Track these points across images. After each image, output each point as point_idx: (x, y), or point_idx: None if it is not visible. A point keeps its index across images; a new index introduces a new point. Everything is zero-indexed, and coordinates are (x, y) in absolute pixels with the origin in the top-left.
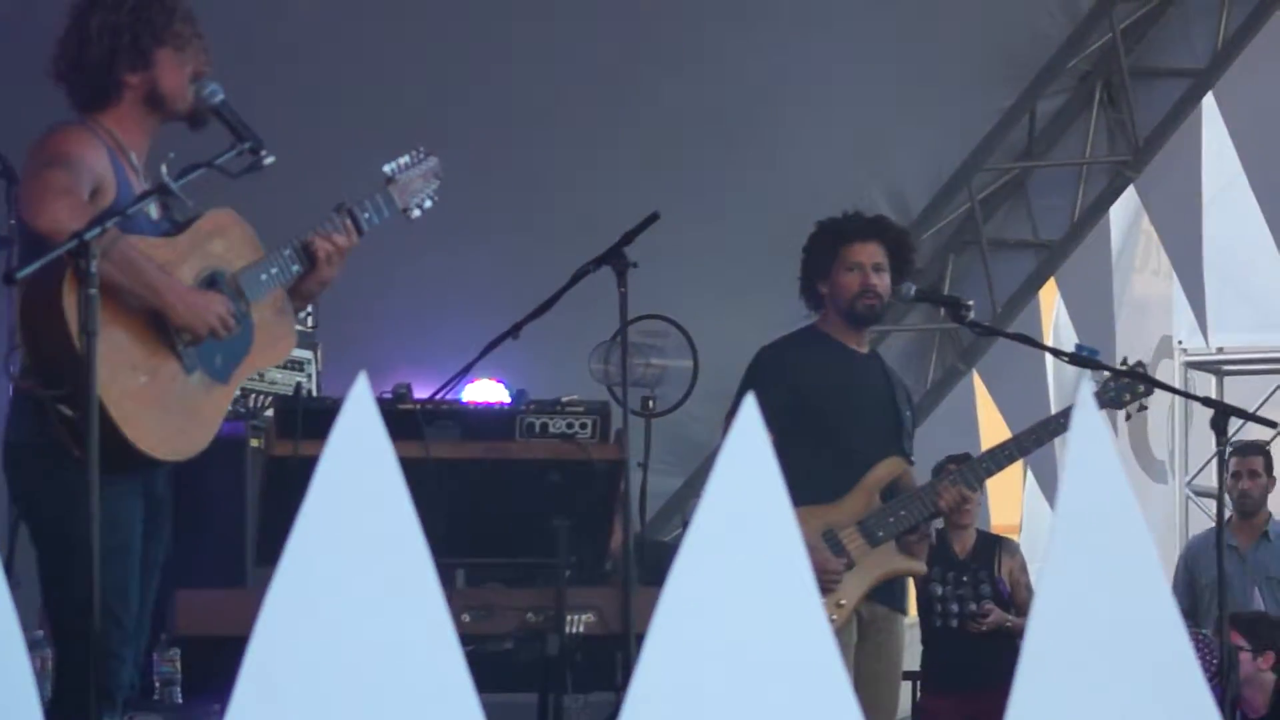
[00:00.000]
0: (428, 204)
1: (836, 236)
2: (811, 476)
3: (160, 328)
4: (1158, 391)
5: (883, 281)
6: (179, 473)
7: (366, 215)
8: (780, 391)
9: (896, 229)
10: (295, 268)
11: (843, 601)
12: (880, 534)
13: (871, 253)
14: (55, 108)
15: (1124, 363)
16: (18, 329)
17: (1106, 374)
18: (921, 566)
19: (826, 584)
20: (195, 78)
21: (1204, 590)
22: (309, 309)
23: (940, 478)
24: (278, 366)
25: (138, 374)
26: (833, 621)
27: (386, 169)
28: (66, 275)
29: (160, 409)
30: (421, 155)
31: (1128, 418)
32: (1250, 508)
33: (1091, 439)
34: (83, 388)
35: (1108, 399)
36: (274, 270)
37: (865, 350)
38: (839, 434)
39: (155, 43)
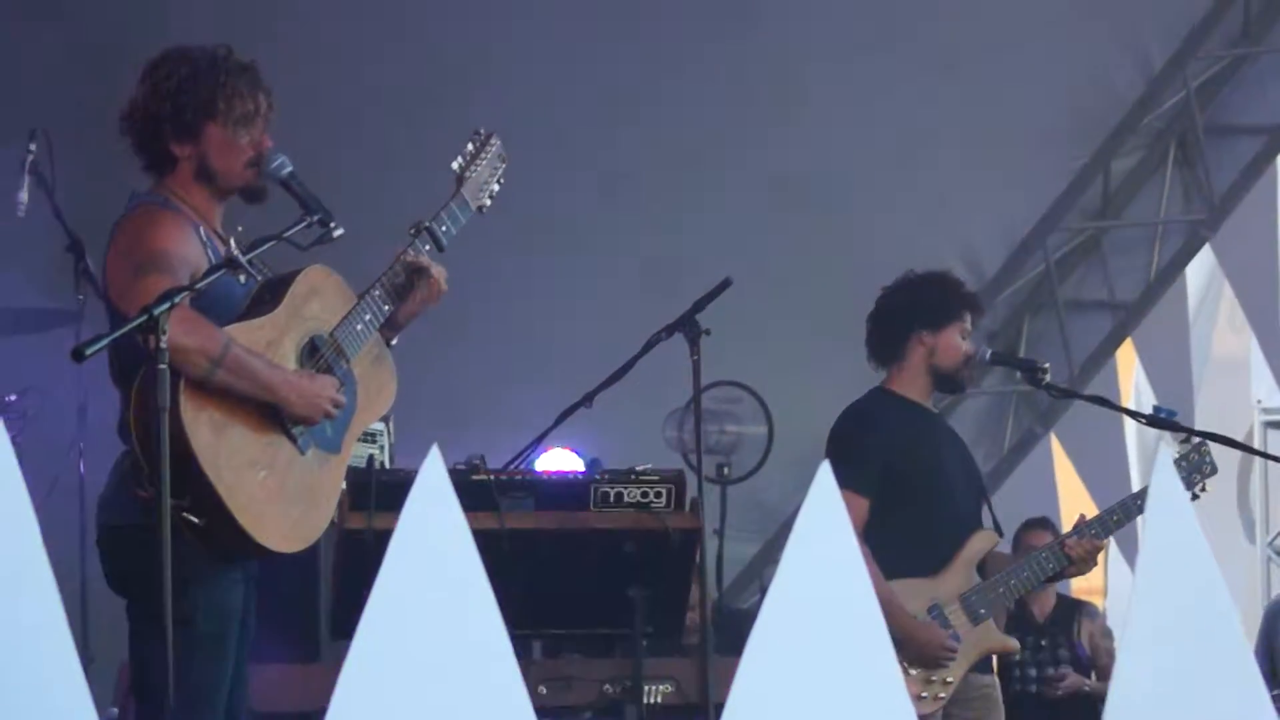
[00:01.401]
0: (495, 188)
1: (965, 300)
2: (910, 545)
3: (272, 412)
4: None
5: None
6: None
7: (444, 229)
8: (875, 463)
9: None
10: (387, 307)
11: (950, 680)
12: (983, 611)
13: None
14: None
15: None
16: (133, 434)
17: (1177, 454)
18: (1016, 645)
19: (943, 660)
20: (255, 154)
21: None
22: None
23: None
24: None
25: (257, 470)
26: (939, 700)
27: (455, 165)
28: (183, 388)
29: (283, 501)
30: (483, 140)
31: (1193, 498)
32: None
33: (1171, 504)
34: (205, 495)
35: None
36: (367, 317)
37: (934, 409)
38: (934, 499)
39: (202, 116)
